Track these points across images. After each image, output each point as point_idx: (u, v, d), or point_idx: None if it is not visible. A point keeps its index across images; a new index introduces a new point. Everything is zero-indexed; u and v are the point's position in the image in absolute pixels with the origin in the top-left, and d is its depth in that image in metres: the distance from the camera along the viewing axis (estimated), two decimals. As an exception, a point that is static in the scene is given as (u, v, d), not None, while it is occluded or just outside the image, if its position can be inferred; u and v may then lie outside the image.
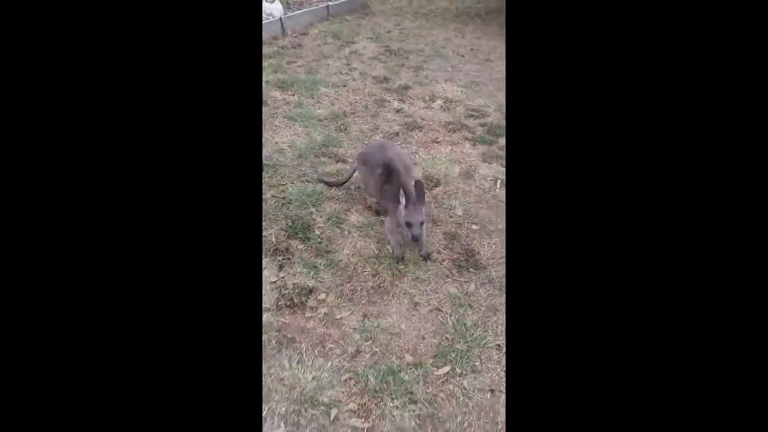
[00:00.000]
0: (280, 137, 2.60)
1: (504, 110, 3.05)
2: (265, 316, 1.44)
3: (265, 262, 1.67)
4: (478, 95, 3.55)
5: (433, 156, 2.47)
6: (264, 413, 1.15)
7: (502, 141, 2.71)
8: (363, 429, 1.14)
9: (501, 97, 3.40)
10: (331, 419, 1.15)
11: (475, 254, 1.78)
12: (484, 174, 2.33)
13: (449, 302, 1.56)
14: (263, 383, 1.23)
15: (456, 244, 1.83)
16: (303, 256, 1.71)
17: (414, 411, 1.19)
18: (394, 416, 1.17)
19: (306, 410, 1.16)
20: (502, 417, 1.20)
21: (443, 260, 1.75)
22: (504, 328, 1.46)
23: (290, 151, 2.44)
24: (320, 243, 1.77)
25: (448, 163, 2.40)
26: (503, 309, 1.53)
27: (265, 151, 2.42)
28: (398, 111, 3.05)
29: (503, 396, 1.25)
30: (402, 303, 1.55)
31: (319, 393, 1.21)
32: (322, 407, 1.17)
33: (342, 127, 2.75)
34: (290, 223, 1.87)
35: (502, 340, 1.42)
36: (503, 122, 2.91)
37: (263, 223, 1.87)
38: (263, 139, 2.56)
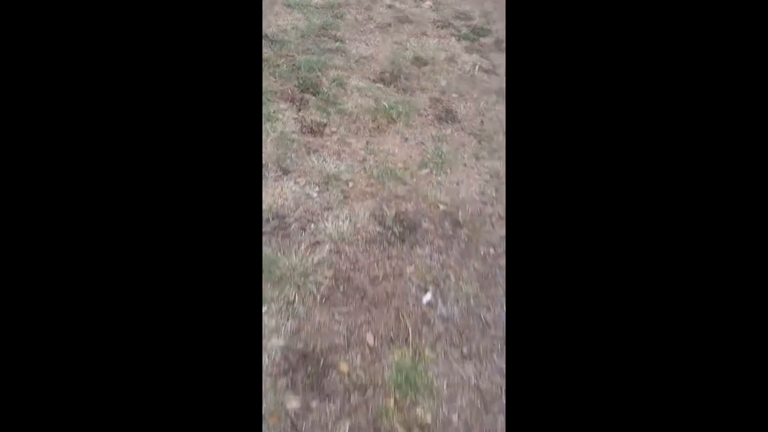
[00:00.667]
0: (282, 21, 3.04)
1: (487, 17, 3.56)
2: (293, 136, 2.03)
3: (285, 105, 2.22)
4: (465, 2, 4.01)
5: (422, 44, 3.00)
6: (302, 186, 1.78)
7: (484, 39, 3.26)
8: (371, 192, 1.79)
9: (486, 6, 3.87)
10: (350, 187, 1.80)
11: (453, 112, 2.41)
12: (466, 60, 2.91)
13: (430, 139, 2.20)
14: (302, 170, 1.84)
15: (439, 105, 2.45)
16: (316, 104, 2.27)
17: (404, 188, 1.85)
18: (392, 191, 1.83)
19: (332, 182, 1.80)
20: (463, 194, 1.88)
21: (428, 115, 2.37)
22: (469, 156, 2.13)
23: (293, 32, 2.90)
24: (328, 97, 2.33)
25: (435, 50, 2.95)
26: (471, 144, 2.20)
27: (270, 30, 2.87)
28: (390, 6, 3.51)
29: (464, 185, 1.93)
30: (395, 138, 2.18)
31: (340, 174, 1.84)
32: (343, 180, 1.81)
33: (338, 15, 3.20)
34: (301, 82, 2.40)
35: (467, 161, 2.09)
36: (486, 26, 3.44)
37: (279, 82, 2.39)
38: (266, 22, 2.97)
